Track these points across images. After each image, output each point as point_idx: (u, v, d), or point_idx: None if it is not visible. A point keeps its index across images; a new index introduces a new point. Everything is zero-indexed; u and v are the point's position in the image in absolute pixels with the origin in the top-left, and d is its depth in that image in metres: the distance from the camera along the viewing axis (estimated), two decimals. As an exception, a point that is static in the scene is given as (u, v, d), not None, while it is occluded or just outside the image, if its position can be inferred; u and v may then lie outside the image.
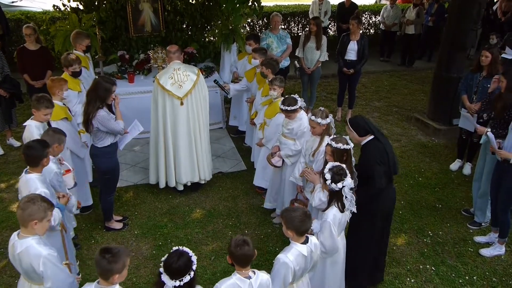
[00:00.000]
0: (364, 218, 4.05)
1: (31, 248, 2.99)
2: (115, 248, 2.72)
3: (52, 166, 3.91)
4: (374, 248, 4.22)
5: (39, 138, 3.93)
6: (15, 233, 3.09)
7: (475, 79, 5.93)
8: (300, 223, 3.11)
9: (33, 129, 4.29)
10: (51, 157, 3.89)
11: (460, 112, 6.08)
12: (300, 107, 4.77)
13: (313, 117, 4.26)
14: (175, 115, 5.39)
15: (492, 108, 5.19)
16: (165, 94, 5.33)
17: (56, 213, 3.63)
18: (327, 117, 4.26)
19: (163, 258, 2.72)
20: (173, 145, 5.49)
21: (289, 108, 4.66)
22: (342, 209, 3.56)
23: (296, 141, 4.82)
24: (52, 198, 3.70)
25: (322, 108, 4.35)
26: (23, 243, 3.00)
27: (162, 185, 5.69)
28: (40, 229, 3.03)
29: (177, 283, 2.64)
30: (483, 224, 5.30)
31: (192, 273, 2.69)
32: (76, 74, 5.50)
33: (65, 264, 3.39)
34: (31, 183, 3.59)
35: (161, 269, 2.69)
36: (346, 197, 3.55)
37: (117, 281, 2.73)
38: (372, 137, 4.03)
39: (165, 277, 2.66)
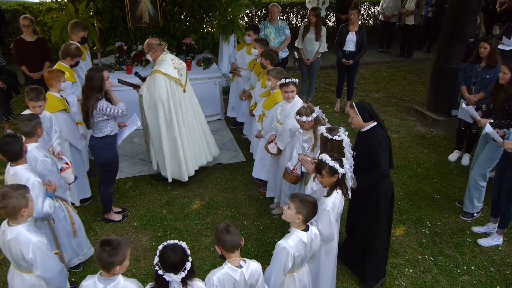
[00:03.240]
0: (370, 204, 4.11)
1: (21, 235, 3.02)
2: (115, 240, 2.73)
3: (36, 155, 3.86)
4: (386, 230, 4.30)
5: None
6: (5, 221, 3.12)
7: (474, 70, 5.92)
8: (312, 209, 3.17)
9: None
10: (37, 145, 3.89)
11: (459, 103, 6.08)
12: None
13: (297, 117, 4.30)
14: (181, 103, 5.47)
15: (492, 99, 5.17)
16: (173, 82, 5.36)
17: (48, 200, 3.65)
18: (312, 112, 4.28)
19: (156, 260, 2.69)
20: (187, 134, 5.59)
21: (286, 81, 4.76)
22: (346, 191, 3.65)
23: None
24: (43, 186, 3.71)
25: (305, 105, 4.38)
26: (13, 230, 3.04)
27: (185, 178, 5.64)
28: (29, 212, 3.08)
29: (182, 274, 2.65)
30: (475, 214, 5.32)
31: (189, 262, 2.70)
32: (77, 64, 5.50)
33: (55, 253, 3.40)
34: (21, 174, 3.57)
35: (160, 271, 2.66)
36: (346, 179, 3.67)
37: (118, 272, 2.75)
38: (375, 123, 4.03)
39: (167, 275, 2.65)
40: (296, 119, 4.35)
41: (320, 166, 3.57)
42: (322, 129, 4.06)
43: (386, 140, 4.03)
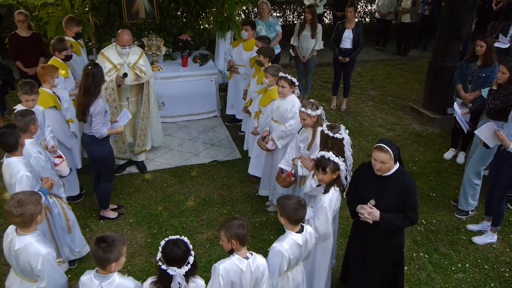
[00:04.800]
0: (392, 248, 3.73)
1: (30, 246, 2.93)
2: (110, 237, 2.71)
3: (29, 151, 3.82)
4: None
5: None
6: (12, 227, 3.03)
7: (470, 69, 5.93)
8: (292, 211, 3.11)
9: None
10: (32, 141, 3.87)
11: (455, 101, 6.09)
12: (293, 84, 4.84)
13: (303, 109, 4.25)
14: None
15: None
16: None
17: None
18: (317, 108, 4.25)
19: (158, 256, 2.69)
20: None
21: (282, 75, 4.75)
22: (343, 190, 3.63)
23: (285, 125, 4.83)
24: (35, 180, 3.68)
25: (312, 100, 4.35)
26: (22, 240, 2.94)
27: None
28: (41, 219, 3.03)
29: (185, 268, 2.66)
30: (470, 212, 5.35)
31: (191, 256, 2.71)
32: (68, 58, 5.45)
33: (59, 261, 3.35)
34: (13, 166, 3.56)
35: (164, 266, 2.66)
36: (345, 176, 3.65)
37: (114, 269, 2.73)
38: (398, 164, 3.52)
39: (171, 269, 2.65)
40: (300, 111, 4.29)
41: (324, 163, 3.52)
42: (322, 127, 4.05)
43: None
